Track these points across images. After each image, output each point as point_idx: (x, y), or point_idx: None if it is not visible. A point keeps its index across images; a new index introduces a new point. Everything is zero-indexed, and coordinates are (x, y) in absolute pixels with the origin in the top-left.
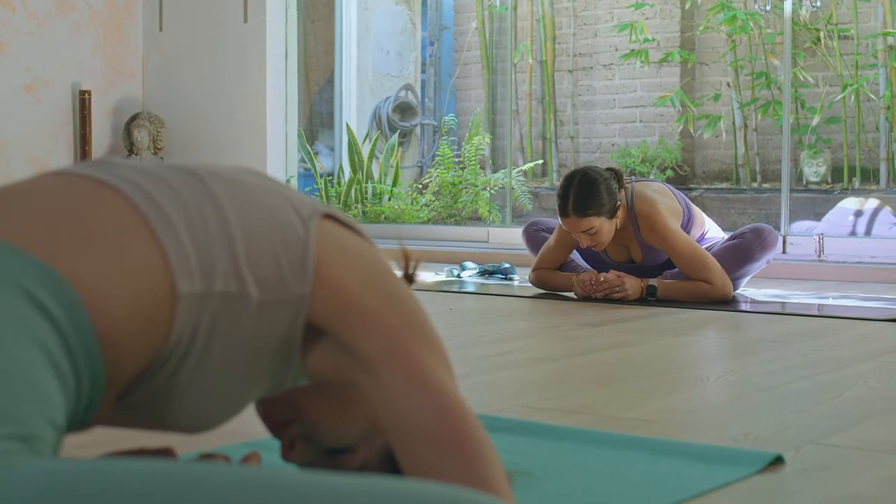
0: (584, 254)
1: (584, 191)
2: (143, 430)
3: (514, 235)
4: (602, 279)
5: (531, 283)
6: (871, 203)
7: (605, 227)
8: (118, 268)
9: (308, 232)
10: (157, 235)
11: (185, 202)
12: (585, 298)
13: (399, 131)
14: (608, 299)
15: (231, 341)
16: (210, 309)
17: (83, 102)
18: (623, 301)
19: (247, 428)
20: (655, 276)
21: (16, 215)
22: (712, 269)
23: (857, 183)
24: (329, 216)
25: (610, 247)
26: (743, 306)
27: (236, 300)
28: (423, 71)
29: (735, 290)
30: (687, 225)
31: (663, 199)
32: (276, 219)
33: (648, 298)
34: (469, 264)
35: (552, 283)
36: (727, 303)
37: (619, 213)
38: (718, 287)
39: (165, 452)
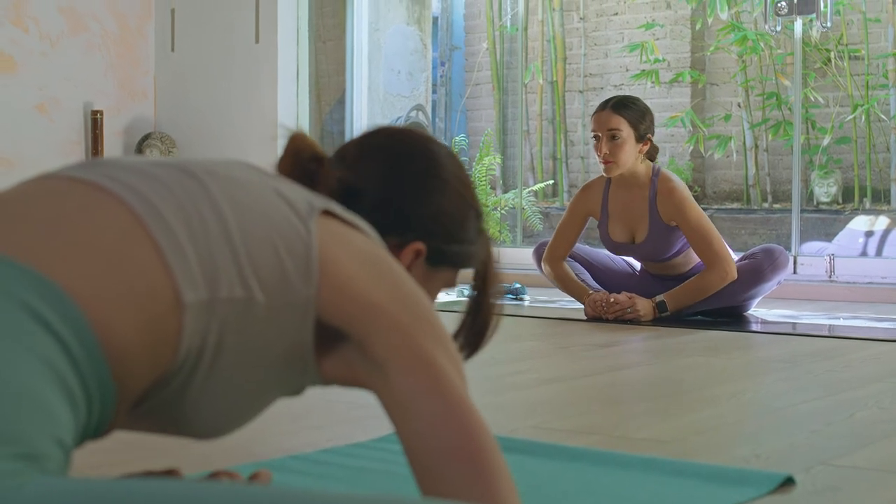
0: (594, 269)
1: (627, 99)
2: (159, 434)
3: (524, 256)
4: (613, 300)
5: (545, 274)
6: (882, 223)
7: (627, 144)
8: (120, 279)
9: (309, 231)
10: (158, 244)
11: (183, 205)
12: (596, 319)
13: None
14: (620, 320)
15: (241, 348)
16: (217, 316)
17: (95, 122)
18: (635, 321)
19: (258, 448)
20: (658, 291)
21: (13, 226)
22: (718, 249)
23: (867, 203)
24: (327, 212)
25: (615, 220)
26: (754, 327)
27: (243, 305)
28: (433, 91)
29: (746, 311)
30: None
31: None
32: (276, 218)
33: (662, 315)
34: None
35: (564, 285)
36: (738, 324)
37: (644, 149)
38: (721, 271)
39: (171, 473)
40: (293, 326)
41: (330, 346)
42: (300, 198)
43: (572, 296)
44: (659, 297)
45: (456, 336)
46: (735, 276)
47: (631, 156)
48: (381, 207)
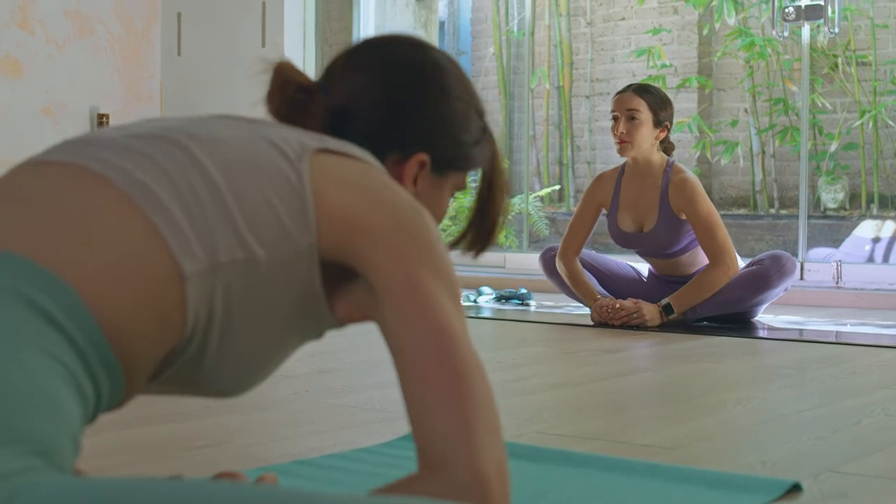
0: (601, 274)
1: (649, 85)
2: (184, 395)
3: (530, 261)
4: (619, 306)
5: (558, 270)
6: (889, 230)
7: (644, 127)
8: (118, 263)
9: (301, 177)
10: (152, 221)
11: (172, 177)
12: (602, 325)
13: None
14: (626, 326)
15: (251, 307)
16: (221, 282)
17: (101, 125)
18: (641, 327)
19: (263, 453)
20: (665, 296)
21: (7, 220)
22: (722, 242)
23: (875, 209)
24: (321, 150)
25: (625, 209)
26: (760, 333)
27: (245, 266)
28: None
29: (753, 317)
30: None
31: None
32: (267, 170)
33: (668, 318)
34: (485, 289)
35: (575, 284)
36: (745, 330)
37: (661, 136)
38: (725, 266)
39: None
40: (300, 275)
41: (339, 285)
42: (290, 141)
43: (580, 296)
44: (664, 301)
45: (464, 234)
46: (738, 270)
47: (647, 139)
48: (376, 126)
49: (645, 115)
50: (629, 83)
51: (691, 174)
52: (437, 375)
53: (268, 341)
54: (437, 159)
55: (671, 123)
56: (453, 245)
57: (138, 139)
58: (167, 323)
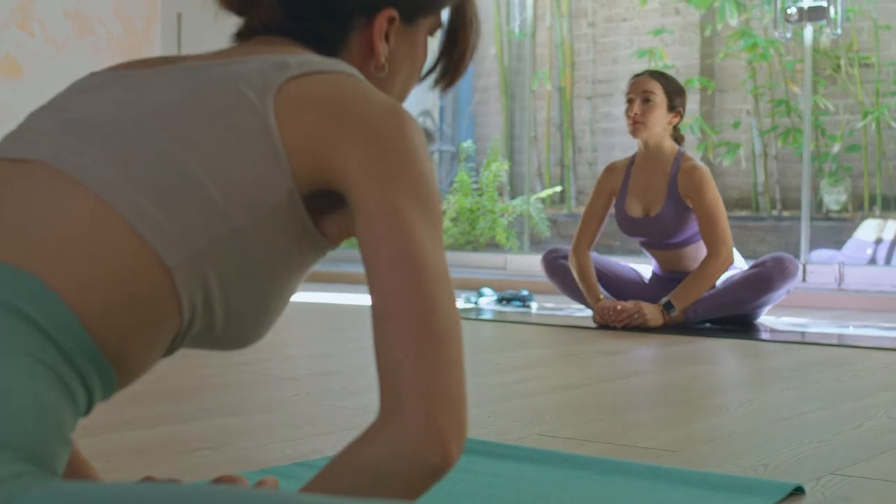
0: (604, 276)
1: (665, 71)
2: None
3: (532, 262)
4: (620, 307)
5: (569, 263)
6: (891, 232)
7: (658, 109)
8: (97, 265)
9: (267, 123)
10: (127, 219)
11: (139, 164)
12: (604, 326)
13: None
14: (629, 328)
15: (248, 273)
16: (209, 261)
17: None
18: (644, 328)
19: (264, 455)
20: (664, 297)
21: None
22: (722, 232)
23: (877, 211)
24: (284, 82)
25: (634, 195)
26: (763, 335)
27: (231, 238)
28: (441, 97)
29: (755, 319)
30: None
31: None
32: (232, 128)
33: (670, 315)
34: (486, 291)
35: (582, 279)
36: (747, 332)
37: (675, 121)
38: (722, 256)
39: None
40: (288, 221)
41: (329, 207)
42: (252, 80)
43: (585, 293)
44: (664, 299)
45: (433, 68)
46: (733, 261)
47: (660, 122)
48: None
49: (660, 97)
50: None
51: (702, 163)
52: (398, 303)
53: (274, 290)
54: (404, 10)
55: (684, 111)
56: (422, 79)
57: (99, 123)
58: (162, 315)
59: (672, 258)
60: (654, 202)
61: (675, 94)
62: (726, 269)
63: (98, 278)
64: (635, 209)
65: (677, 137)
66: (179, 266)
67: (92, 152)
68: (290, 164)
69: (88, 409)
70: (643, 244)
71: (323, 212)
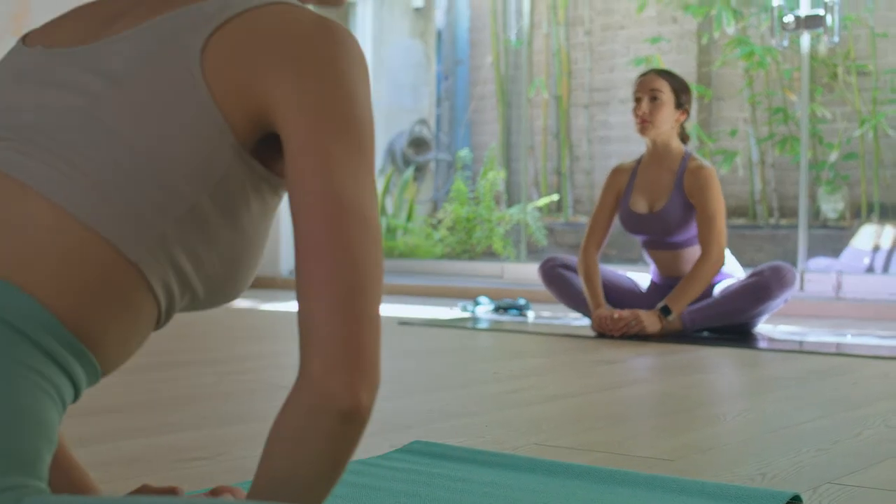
0: (602, 286)
1: (671, 71)
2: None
3: (528, 271)
4: (617, 316)
5: (577, 266)
6: (888, 240)
7: (666, 107)
8: (65, 266)
9: (198, 88)
10: (85, 222)
11: (84, 158)
12: (602, 335)
13: (414, 166)
14: (627, 336)
15: (218, 239)
16: (174, 243)
17: None
18: (642, 335)
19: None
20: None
21: None
22: (718, 234)
23: (875, 219)
24: (210, 34)
25: (639, 192)
26: (760, 344)
27: (190, 215)
28: (437, 105)
29: (753, 328)
30: None
31: None
32: (166, 103)
33: (667, 319)
34: (483, 300)
35: (587, 282)
36: (745, 341)
37: (682, 119)
38: (714, 256)
39: (171, 492)
40: (243, 177)
41: (279, 147)
42: (180, 36)
43: (588, 297)
44: (660, 304)
45: None
46: (724, 262)
47: (667, 121)
48: None
49: (667, 95)
50: (630, 90)
51: (709, 164)
52: (316, 249)
53: (245, 245)
54: None
55: (690, 108)
56: None
57: (39, 120)
58: (138, 304)
59: (672, 260)
60: (659, 198)
61: (681, 91)
62: (718, 269)
63: (69, 280)
64: (640, 205)
65: (683, 136)
66: (144, 257)
67: (38, 154)
68: (229, 123)
69: (76, 398)
70: (644, 244)
71: (277, 150)
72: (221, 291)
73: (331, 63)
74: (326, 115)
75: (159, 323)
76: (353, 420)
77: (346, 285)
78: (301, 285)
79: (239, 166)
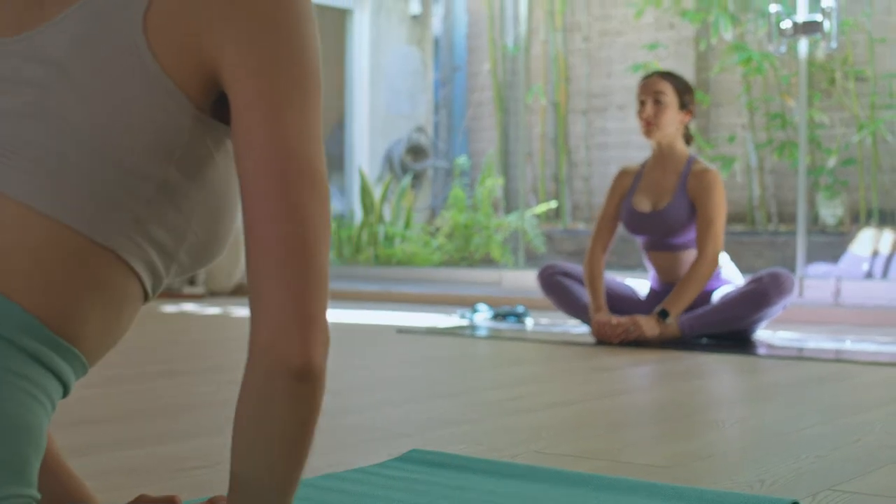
0: (612, 299)
1: (673, 72)
2: None
3: (527, 278)
4: (616, 322)
5: (583, 267)
6: (887, 245)
7: (670, 109)
8: (41, 266)
9: (146, 63)
10: (53, 218)
11: (46, 155)
12: (602, 342)
13: (411, 173)
14: (626, 343)
15: (192, 207)
16: (150, 221)
17: None
18: (641, 341)
19: None
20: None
21: None
22: (715, 235)
23: (874, 225)
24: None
25: (643, 191)
26: (759, 350)
27: (160, 192)
28: (435, 112)
29: (752, 334)
30: None
31: None
32: (118, 83)
33: (666, 322)
34: (481, 307)
35: (590, 284)
36: (744, 348)
37: (686, 119)
38: (709, 257)
39: (169, 501)
40: (208, 141)
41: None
42: (117, 17)
43: (590, 299)
44: (658, 307)
45: None
46: (718, 263)
47: (672, 122)
48: None
49: (670, 97)
50: (629, 96)
51: (713, 167)
52: (263, 212)
53: (222, 203)
54: None
55: (694, 106)
56: None
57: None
58: (122, 288)
59: (671, 264)
60: (663, 198)
61: (684, 92)
62: (713, 270)
63: (44, 277)
64: (643, 204)
65: (688, 137)
66: (121, 243)
67: (4, 159)
68: (181, 88)
69: (66, 394)
70: (644, 246)
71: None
72: (206, 253)
73: (277, 17)
74: (273, 66)
75: (147, 300)
76: (307, 378)
77: (294, 248)
78: (250, 247)
79: (199, 129)
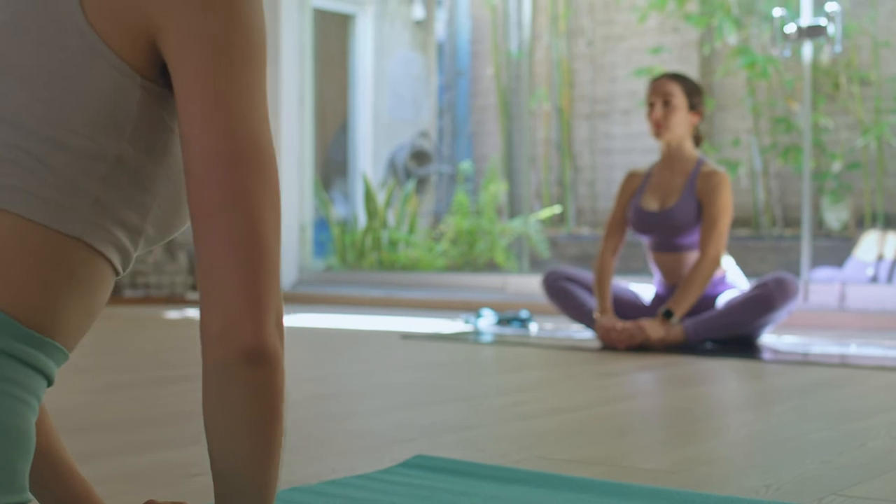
0: (617, 304)
1: (682, 73)
2: None
3: (531, 283)
4: (621, 327)
5: (593, 268)
6: (891, 249)
7: (680, 111)
8: (7, 263)
9: (87, 36)
10: (10, 210)
11: (8, 150)
12: (606, 346)
13: (415, 178)
14: (632, 348)
15: (151, 180)
16: (110, 201)
17: None
18: (646, 345)
19: None
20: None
21: None
22: (718, 235)
23: (879, 229)
24: None
25: (651, 191)
26: (764, 355)
27: (116, 169)
28: (439, 117)
29: (757, 339)
30: None
31: None
32: (59, 55)
33: (670, 321)
34: (485, 312)
35: (598, 285)
36: (749, 352)
37: (695, 121)
38: (710, 258)
39: None
40: (161, 110)
41: None
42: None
43: (597, 300)
44: (662, 308)
45: None
46: (720, 262)
47: (682, 124)
48: None
49: (679, 99)
50: (633, 101)
51: (722, 169)
52: (212, 202)
53: (182, 170)
54: None
55: (704, 108)
56: None
57: None
58: (93, 274)
59: (676, 265)
60: (670, 197)
61: (693, 93)
62: (715, 269)
63: (12, 275)
64: (651, 203)
65: (697, 137)
66: (86, 230)
67: None
68: (125, 60)
69: (50, 384)
70: (650, 247)
71: None
72: (172, 224)
73: (221, 17)
74: (215, 43)
75: (119, 276)
76: (261, 363)
77: (242, 236)
78: (197, 236)
79: (149, 100)
